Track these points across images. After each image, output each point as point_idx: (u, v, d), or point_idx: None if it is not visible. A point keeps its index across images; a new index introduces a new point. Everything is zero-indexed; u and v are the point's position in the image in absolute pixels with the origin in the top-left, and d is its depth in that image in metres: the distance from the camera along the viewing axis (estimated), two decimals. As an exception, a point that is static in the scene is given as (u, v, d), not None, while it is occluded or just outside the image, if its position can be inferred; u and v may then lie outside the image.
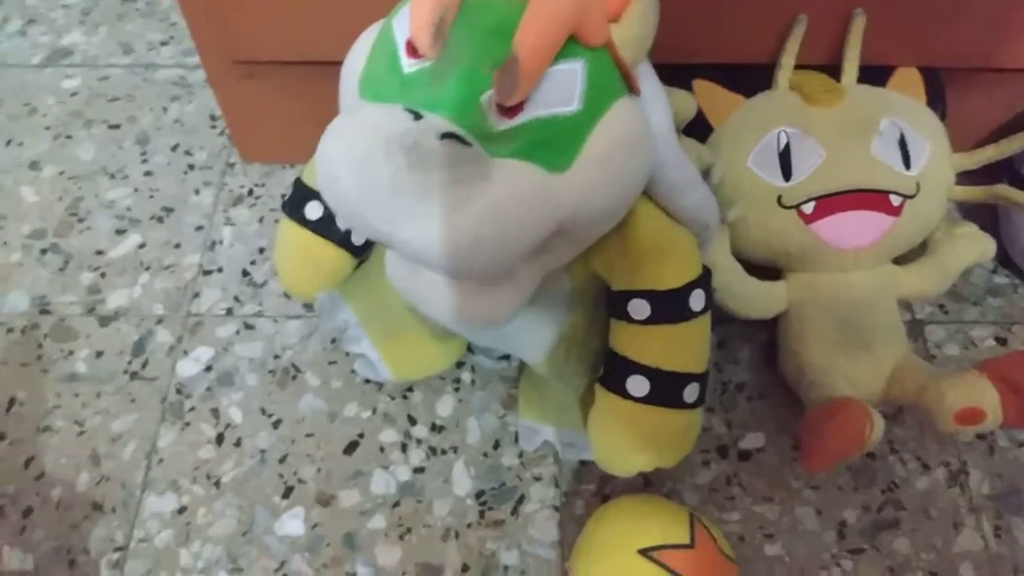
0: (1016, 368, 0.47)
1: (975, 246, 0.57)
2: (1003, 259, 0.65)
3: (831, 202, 0.52)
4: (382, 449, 0.57)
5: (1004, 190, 0.55)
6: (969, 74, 0.61)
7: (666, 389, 0.45)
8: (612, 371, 0.47)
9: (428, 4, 0.36)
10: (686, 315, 0.45)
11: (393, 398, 0.59)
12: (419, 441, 0.57)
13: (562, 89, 0.37)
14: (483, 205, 0.34)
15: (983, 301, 0.65)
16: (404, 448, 0.57)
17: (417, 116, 0.36)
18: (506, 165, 0.36)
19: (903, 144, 0.53)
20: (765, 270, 0.57)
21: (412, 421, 0.58)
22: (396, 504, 0.55)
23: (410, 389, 0.60)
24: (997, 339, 0.62)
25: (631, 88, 0.39)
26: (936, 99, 0.59)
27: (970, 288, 0.65)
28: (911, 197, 0.53)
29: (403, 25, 0.38)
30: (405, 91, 0.37)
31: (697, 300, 0.45)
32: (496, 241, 0.35)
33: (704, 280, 0.46)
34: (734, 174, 0.55)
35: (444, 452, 0.57)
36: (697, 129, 0.54)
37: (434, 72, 0.37)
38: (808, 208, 0.53)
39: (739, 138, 0.56)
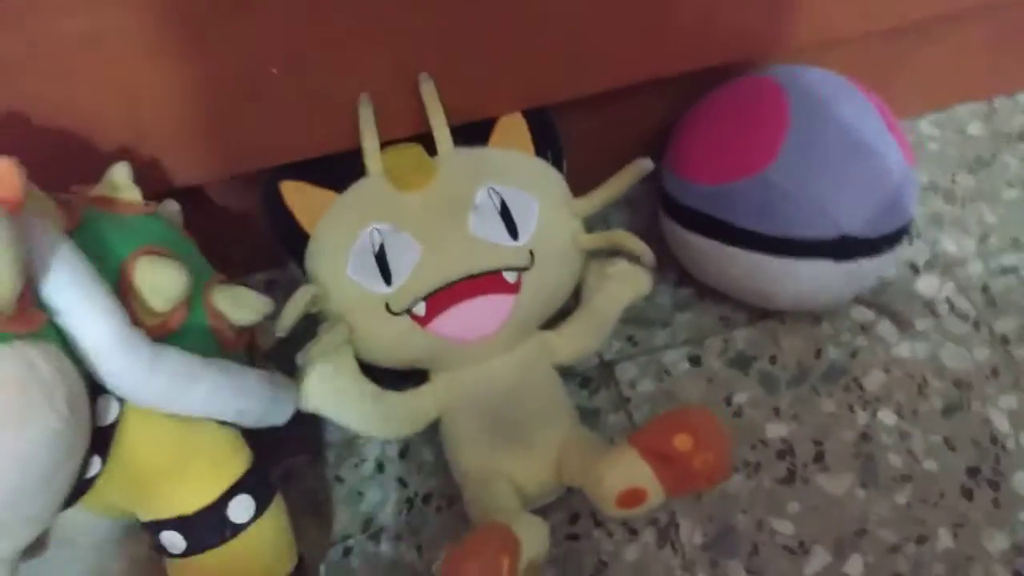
0: (658, 438, 0.43)
1: (626, 286, 0.53)
2: (683, 276, 0.62)
3: (440, 298, 0.47)
4: None
5: (620, 236, 0.51)
6: (577, 107, 0.55)
7: None
8: None
9: None
10: (228, 534, 0.39)
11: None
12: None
13: None
14: None
15: (672, 320, 0.61)
16: None
17: None
18: None
19: (505, 212, 0.48)
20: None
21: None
22: None
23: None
24: (691, 360, 0.58)
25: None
26: (547, 143, 0.53)
27: (656, 309, 0.62)
28: (526, 269, 0.48)
29: None
30: None
31: (242, 509, 0.39)
32: None
33: (250, 479, 0.40)
34: (336, 287, 0.48)
35: None
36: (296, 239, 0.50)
37: None
38: (419, 310, 0.47)
39: (333, 244, 0.49)
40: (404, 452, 0.55)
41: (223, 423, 0.39)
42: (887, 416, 0.54)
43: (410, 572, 0.51)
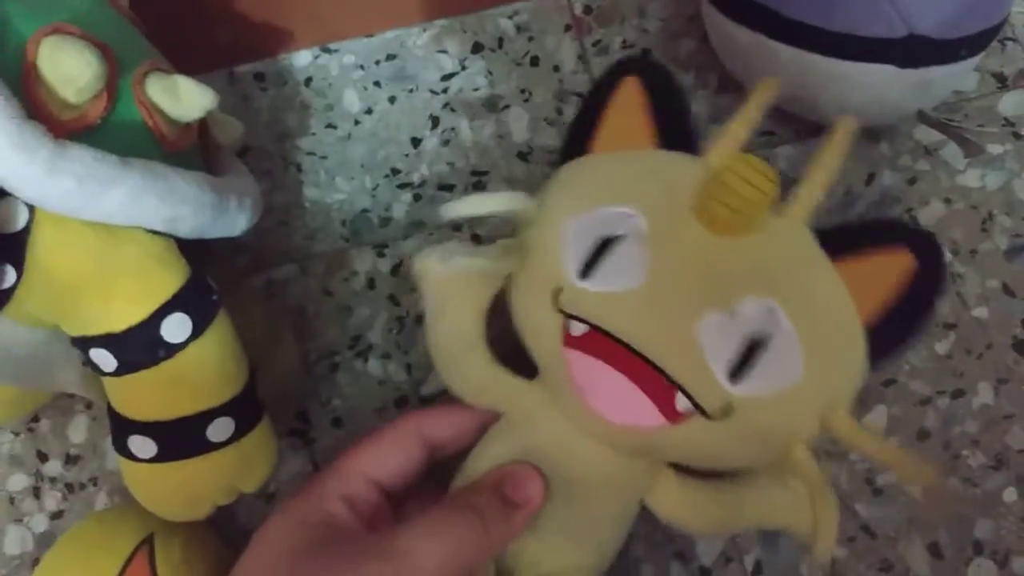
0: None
1: (793, 514, 0.37)
2: (724, 81, 0.52)
3: (605, 345, 0.33)
4: (12, 500, 0.48)
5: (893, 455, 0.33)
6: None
7: (178, 442, 0.36)
8: (113, 430, 0.38)
9: None
10: (163, 354, 0.35)
11: (17, 434, 0.49)
12: (53, 480, 0.48)
13: None
14: None
15: (707, 133, 0.45)
16: (37, 493, 0.48)
17: None
18: None
19: (754, 345, 0.32)
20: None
21: (43, 458, 0.49)
22: (36, 562, 0.44)
23: (36, 419, 0.49)
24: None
25: None
26: (917, 304, 0.34)
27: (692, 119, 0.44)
28: (707, 416, 0.32)
29: None
30: None
31: (178, 328, 0.35)
32: None
33: (185, 296, 0.35)
34: (541, 223, 0.36)
35: (83, 486, 0.48)
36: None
37: None
38: (576, 328, 0.34)
39: (581, 187, 0.36)
40: (396, 269, 0.50)
41: (155, 233, 0.34)
42: (939, 254, 0.48)
43: (398, 391, 0.48)
